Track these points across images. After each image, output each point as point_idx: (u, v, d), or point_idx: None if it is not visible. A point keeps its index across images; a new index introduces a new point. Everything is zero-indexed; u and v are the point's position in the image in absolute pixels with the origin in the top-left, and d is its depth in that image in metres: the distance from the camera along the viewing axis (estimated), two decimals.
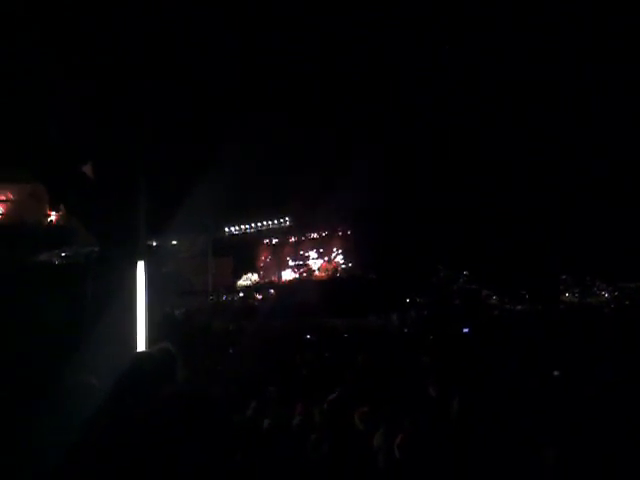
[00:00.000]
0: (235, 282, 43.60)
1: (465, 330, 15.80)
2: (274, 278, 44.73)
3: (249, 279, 44.59)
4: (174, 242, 39.35)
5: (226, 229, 43.01)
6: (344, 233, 43.70)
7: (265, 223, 43.69)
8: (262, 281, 44.53)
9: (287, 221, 43.47)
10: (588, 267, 46.96)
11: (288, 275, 44.63)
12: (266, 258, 45.85)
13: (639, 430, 3.49)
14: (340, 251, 43.75)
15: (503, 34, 32.32)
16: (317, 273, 43.56)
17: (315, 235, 44.67)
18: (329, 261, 44.07)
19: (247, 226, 43.50)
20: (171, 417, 1.70)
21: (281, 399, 5.68)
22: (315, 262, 44.34)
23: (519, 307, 42.98)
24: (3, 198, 29.35)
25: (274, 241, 45.32)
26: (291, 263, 44.86)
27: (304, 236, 44.89)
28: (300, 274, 44.17)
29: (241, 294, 41.06)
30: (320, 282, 40.51)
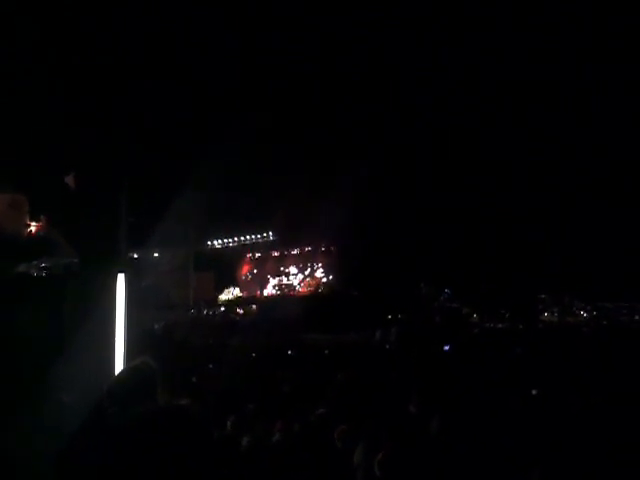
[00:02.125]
0: (216, 296, 43.29)
1: (446, 348, 15.83)
2: (256, 293, 44.51)
3: (231, 293, 44.31)
4: (155, 254, 39.02)
5: (208, 242, 42.79)
6: (327, 249, 43.71)
7: (248, 237, 43.56)
8: (244, 296, 44.27)
9: (270, 235, 43.40)
10: (567, 287, 47.47)
11: (270, 290, 44.45)
12: (248, 272, 45.65)
13: (621, 447, 3.51)
14: (323, 267, 43.73)
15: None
16: (299, 288, 43.45)
17: (298, 250, 44.61)
18: (312, 276, 44.00)
19: (230, 240, 43.31)
20: (153, 433, 1.68)
21: (261, 415, 5.63)
22: (297, 277, 44.26)
23: (499, 325, 43.25)
24: None
25: (257, 255, 45.17)
26: (273, 278, 44.72)
27: (287, 251, 44.81)
28: (282, 289, 44.02)
29: (222, 308, 40.76)
30: (302, 298, 40.40)
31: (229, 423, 5.30)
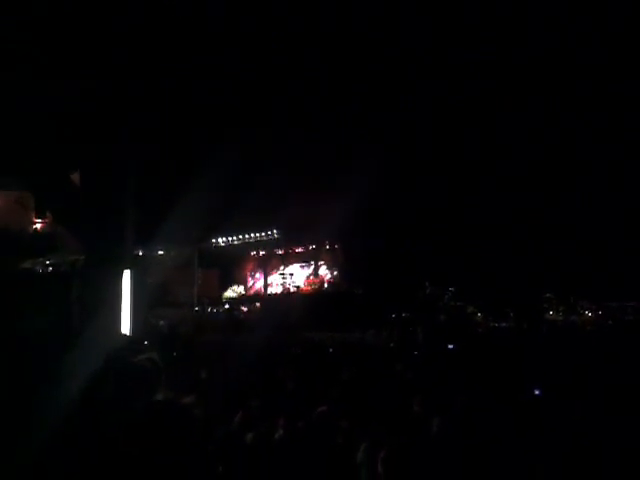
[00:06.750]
0: (221, 294, 43.35)
1: (450, 347, 15.83)
2: (260, 291, 44.54)
3: (235, 291, 44.37)
4: (160, 252, 39.09)
5: (213, 240, 42.80)
6: (331, 247, 43.68)
7: (253, 235, 43.54)
8: (248, 293, 44.32)
9: (275, 233, 43.36)
10: (572, 286, 47.34)
11: (274, 288, 44.48)
12: (253, 270, 45.68)
13: (623, 448, 3.51)
14: (327, 265, 43.71)
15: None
16: (303, 287, 43.46)
17: (302, 248, 44.59)
18: (316, 275, 44.00)
19: (234, 237, 43.30)
20: (150, 427, 1.70)
21: (265, 412, 5.64)
22: (302, 275, 44.26)
23: (504, 324, 43.17)
24: None
25: (261, 253, 45.17)
26: (278, 276, 44.73)
27: (291, 249, 44.79)
28: (286, 287, 44.04)
29: (227, 306, 40.82)
30: (306, 296, 40.41)
31: (236, 420, 5.31)
